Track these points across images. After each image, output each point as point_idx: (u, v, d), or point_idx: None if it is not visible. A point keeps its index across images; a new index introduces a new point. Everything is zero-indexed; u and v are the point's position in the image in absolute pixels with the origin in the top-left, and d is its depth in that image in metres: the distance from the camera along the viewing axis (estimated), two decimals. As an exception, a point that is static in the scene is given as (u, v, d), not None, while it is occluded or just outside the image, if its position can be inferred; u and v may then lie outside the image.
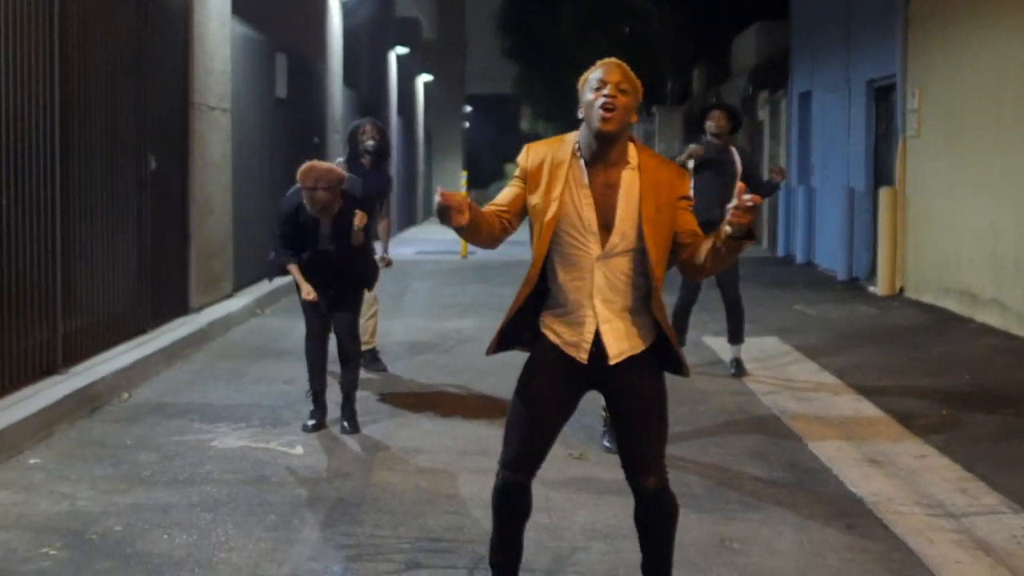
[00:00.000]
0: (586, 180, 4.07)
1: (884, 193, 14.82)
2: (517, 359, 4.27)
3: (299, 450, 6.98)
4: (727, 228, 3.89)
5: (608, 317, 4.09)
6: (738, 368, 9.50)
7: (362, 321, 9.00)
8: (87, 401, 7.87)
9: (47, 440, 7.05)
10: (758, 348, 10.79)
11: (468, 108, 54.18)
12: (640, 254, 4.05)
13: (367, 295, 8.66)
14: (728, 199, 8.71)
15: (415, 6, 32.98)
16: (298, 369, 9.26)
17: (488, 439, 7.13)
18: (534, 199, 4.11)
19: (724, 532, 5.60)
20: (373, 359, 9.52)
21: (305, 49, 17.93)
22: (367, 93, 25.32)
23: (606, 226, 4.05)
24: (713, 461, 6.93)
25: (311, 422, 7.48)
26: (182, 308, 11.21)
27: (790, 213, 19.94)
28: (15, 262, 7.69)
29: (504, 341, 4.26)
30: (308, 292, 7.33)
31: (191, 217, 11.39)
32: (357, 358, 7.66)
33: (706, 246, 4.04)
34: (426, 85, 37.16)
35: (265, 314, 12.76)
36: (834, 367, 9.81)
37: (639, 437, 4.16)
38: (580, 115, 4.12)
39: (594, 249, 4.04)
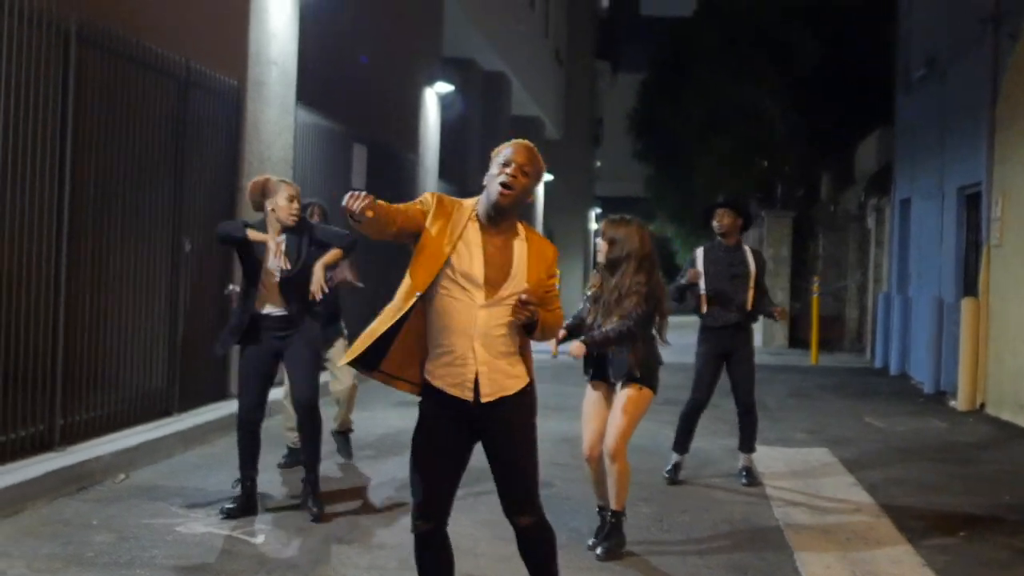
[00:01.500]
0: (479, 241, 4.50)
1: (966, 303, 14.24)
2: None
3: (260, 539, 6.82)
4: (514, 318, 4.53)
5: (486, 359, 4.48)
6: (749, 477, 9.07)
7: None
8: (75, 479, 7.82)
9: (16, 516, 7.00)
10: (802, 459, 10.35)
11: (598, 210, 54.17)
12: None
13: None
14: (741, 300, 8.35)
15: (536, 106, 33.23)
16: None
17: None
18: (431, 232, 4.49)
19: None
20: (345, 442, 9.37)
21: (395, 142, 18.07)
22: (476, 188, 25.43)
23: (491, 282, 4.49)
24: (686, 572, 6.57)
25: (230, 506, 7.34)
26: (220, 393, 11.18)
27: (888, 323, 19.31)
28: (17, 339, 7.76)
29: (364, 360, 4.57)
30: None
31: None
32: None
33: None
34: (548, 185, 37.23)
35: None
36: (869, 482, 9.32)
37: (512, 475, 4.60)
38: (484, 183, 4.56)
39: (478, 298, 4.47)
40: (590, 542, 6.95)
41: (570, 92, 41.40)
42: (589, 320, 6.88)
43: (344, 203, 4.26)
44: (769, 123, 35.02)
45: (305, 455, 7.52)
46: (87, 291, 8.74)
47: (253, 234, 7.36)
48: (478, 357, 4.47)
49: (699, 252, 9.09)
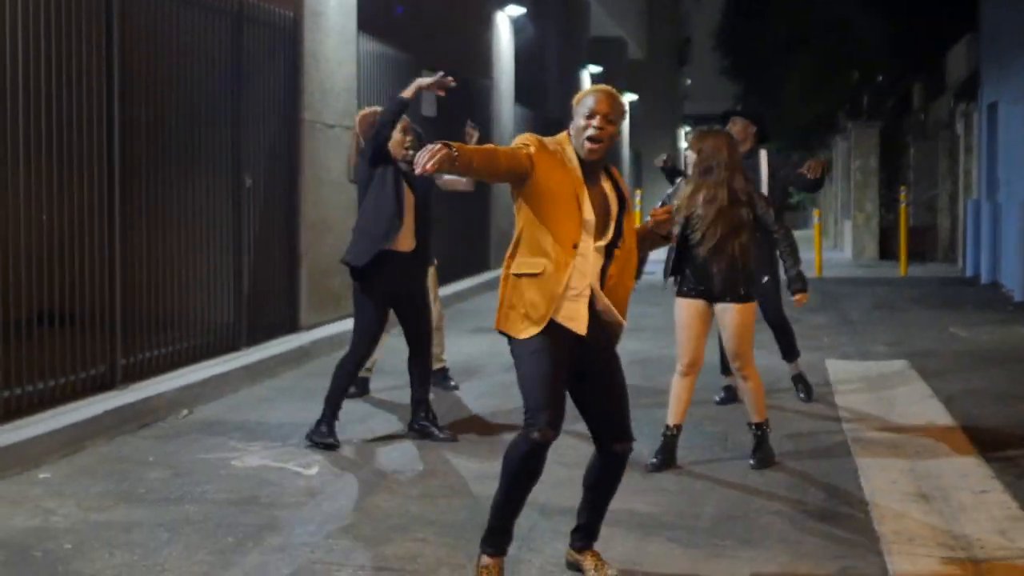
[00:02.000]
0: (585, 185, 4.63)
1: (1056, 207, 13.77)
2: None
3: (314, 470, 6.79)
4: (653, 230, 4.93)
5: (600, 296, 4.68)
6: (803, 387, 8.88)
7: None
8: (136, 417, 7.87)
9: (74, 455, 7.05)
10: (878, 371, 10.11)
11: (687, 128, 53.53)
12: (614, 248, 4.72)
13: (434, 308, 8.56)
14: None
15: (618, 26, 32.77)
16: (385, 384, 9.14)
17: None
18: (553, 178, 4.56)
19: (701, 570, 5.13)
20: (444, 378, 9.27)
21: (467, 68, 17.88)
22: (556, 112, 25.14)
23: (598, 226, 4.64)
24: (744, 488, 6.45)
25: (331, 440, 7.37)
26: (290, 326, 11.19)
27: (978, 231, 18.80)
28: (76, 277, 7.81)
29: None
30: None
31: (301, 235, 11.38)
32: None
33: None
34: (632, 104, 36.84)
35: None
36: (946, 393, 9.05)
37: (617, 403, 4.82)
38: (570, 132, 4.67)
39: (589, 238, 4.61)
40: (650, 462, 6.84)
41: (653, 11, 40.77)
42: (694, 235, 6.77)
43: (417, 168, 4.21)
44: (856, 34, 34.19)
45: (424, 386, 7.56)
46: (143, 231, 8.74)
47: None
48: (595, 293, 4.64)
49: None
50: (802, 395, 8.89)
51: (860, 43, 34.83)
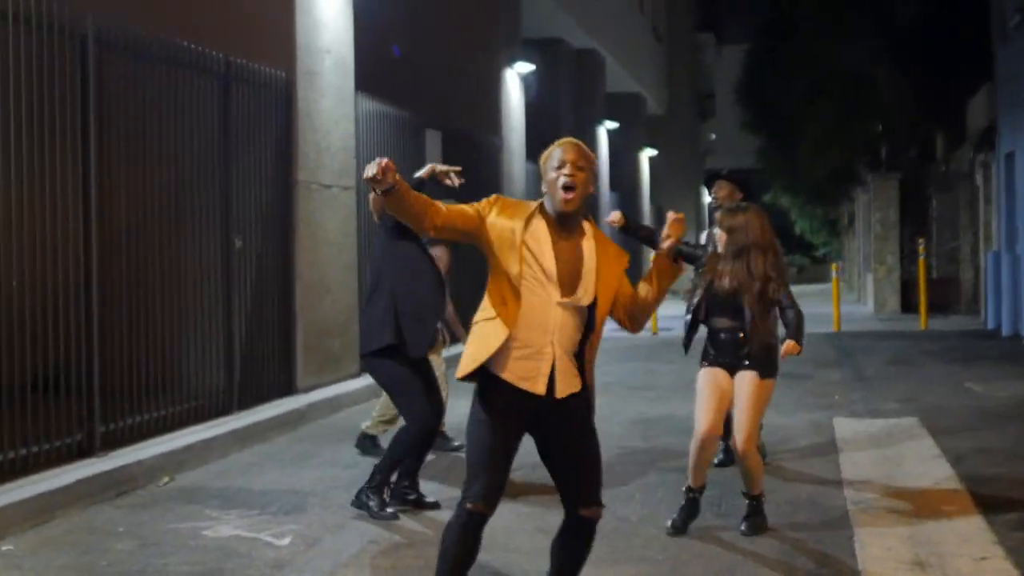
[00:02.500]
0: (549, 238, 4.52)
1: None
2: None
3: (286, 540, 6.55)
4: (665, 245, 4.61)
5: (561, 356, 4.51)
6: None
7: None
8: (113, 485, 7.65)
9: (43, 525, 6.84)
10: (888, 431, 9.80)
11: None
12: (589, 309, 4.57)
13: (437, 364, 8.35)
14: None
15: (635, 82, 32.67)
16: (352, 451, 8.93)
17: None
18: (499, 225, 4.51)
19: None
20: (443, 438, 9.00)
21: (474, 126, 17.76)
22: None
23: (564, 280, 4.50)
24: (732, 556, 6.17)
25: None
26: (286, 389, 10.99)
27: (998, 283, 18.46)
28: (52, 344, 7.65)
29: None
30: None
31: (297, 296, 11.19)
32: None
33: (643, 287, 4.69)
34: (652, 160, 36.70)
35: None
36: (956, 453, 8.74)
37: (585, 466, 4.62)
38: (544, 190, 4.60)
39: (554, 295, 4.48)
40: (669, 523, 6.72)
41: (672, 66, 40.70)
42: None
43: (366, 175, 4.29)
44: (873, 85, 34.00)
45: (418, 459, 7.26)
46: (125, 295, 8.57)
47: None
48: (556, 353, 4.50)
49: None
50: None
51: (879, 93, 34.65)
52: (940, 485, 7.73)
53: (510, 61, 19.62)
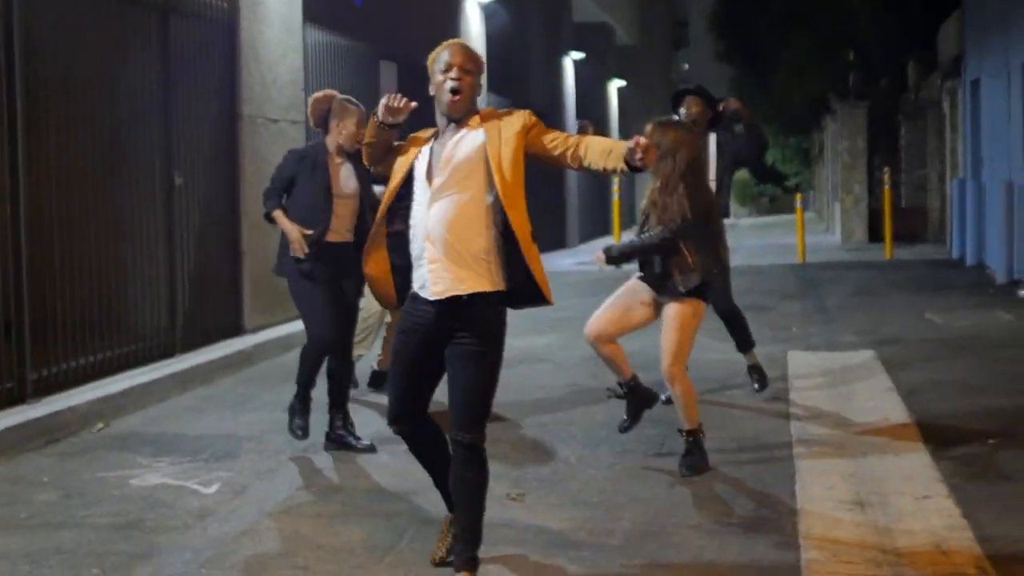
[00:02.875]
0: (430, 145, 4.59)
1: (1036, 185, 13.31)
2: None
3: (213, 488, 6.36)
4: (625, 165, 4.35)
5: (435, 257, 4.45)
6: (758, 376, 8.43)
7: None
8: (44, 432, 7.45)
9: (-34, 477, 6.65)
10: (841, 364, 9.66)
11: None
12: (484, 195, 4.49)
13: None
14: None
15: (604, 12, 32.26)
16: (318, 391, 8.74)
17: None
18: (401, 156, 4.67)
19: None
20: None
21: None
22: (537, 100, 24.69)
23: (433, 176, 4.51)
24: (668, 499, 6.01)
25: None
26: (232, 329, 10.78)
27: (963, 211, 18.32)
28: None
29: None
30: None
31: (243, 234, 10.95)
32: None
33: (598, 155, 4.45)
34: (622, 90, 36.34)
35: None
36: (908, 386, 8.61)
37: (464, 393, 4.49)
38: (431, 92, 4.61)
39: (425, 197, 4.49)
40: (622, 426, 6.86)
41: (644, -6, 40.27)
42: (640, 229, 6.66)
43: (385, 103, 4.52)
44: (849, 13, 33.63)
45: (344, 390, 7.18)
46: (55, 236, 8.28)
47: (280, 219, 7.06)
48: (427, 255, 4.48)
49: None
50: (756, 386, 8.45)
51: (855, 21, 34.29)
52: (889, 420, 7.59)
53: (471, -10, 19.27)
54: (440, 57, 4.58)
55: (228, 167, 10.78)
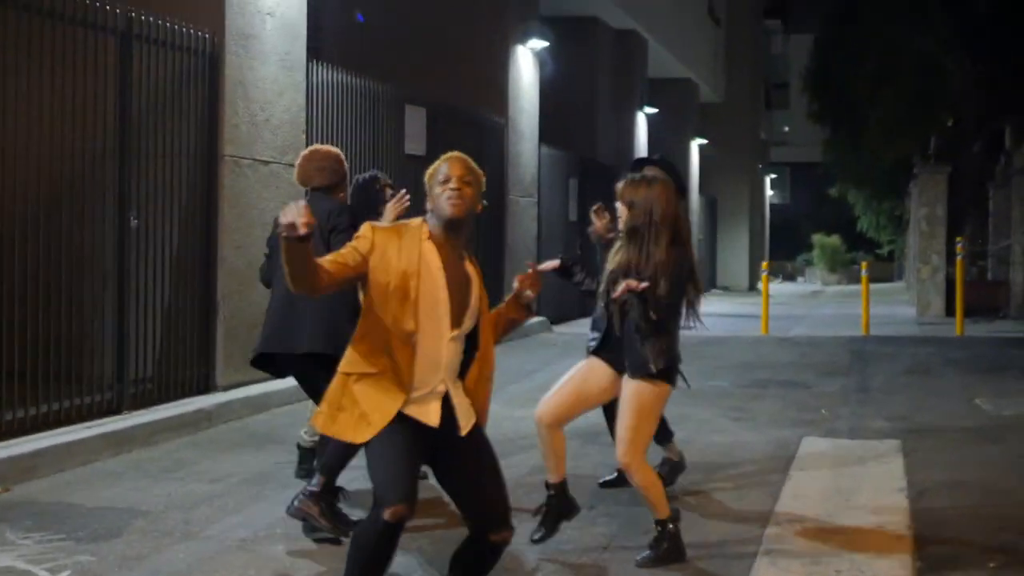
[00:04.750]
0: (439, 263, 4.34)
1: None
2: None
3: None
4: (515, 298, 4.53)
5: (455, 391, 4.38)
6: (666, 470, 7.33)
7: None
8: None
9: None
10: (858, 455, 8.56)
11: (772, 176, 51.81)
12: (471, 337, 4.44)
13: None
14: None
15: (685, 68, 31.32)
16: (261, 461, 7.86)
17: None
18: (388, 261, 4.30)
19: None
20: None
21: (473, 104, 16.65)
22: (604, 154, 23.77)
23: (455, 310, 4.34)
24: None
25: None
26: (202, 386, 9.95)
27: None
28: None
29: None
30: None
31: (219, 282, 10.14)
32: None
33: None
34: (704, 148, 35.23)
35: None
36: (923, 483, 7.51)
37: (492, 488, 4.38)
38: (428, 207, 4.44)
39: (446, 331, 4.31)
40: (534, 536, 6.01)
41: (732, 53, 39.18)
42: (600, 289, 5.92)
43: (282, 219, 3.94)
44: (943, 73, 32.35)
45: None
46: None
47: None
48: (449, 389, 4.37)
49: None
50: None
51: (949, 82, 32.99)
52: (882, 528, 6.48)
53: (523, 37, 18.41)
54: (439, 170, 4.46)
55: (204, 209, 10.00)
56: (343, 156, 6.87)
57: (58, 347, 8.41)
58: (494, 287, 17.24)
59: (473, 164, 4.52)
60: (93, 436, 8.17)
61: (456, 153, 4.57)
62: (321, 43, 17.44)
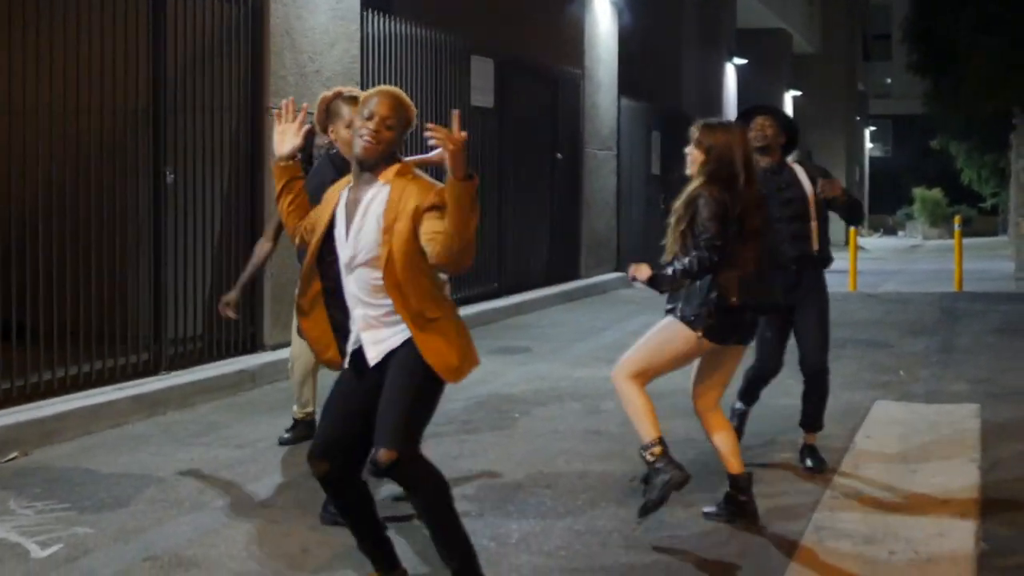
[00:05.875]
0: (344, 200, 4.30)
1: None
2: None
3: (50, 550, 5.18)
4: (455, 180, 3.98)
5: (364, 326, 4.25)
6: (813, 458, 6.73)
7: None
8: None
9: None
10: (933, 419, 8.00)
11: (872, 128, 50.52)
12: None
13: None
14: (802, 232, 6.20)
15: (778, 18, 30.44)
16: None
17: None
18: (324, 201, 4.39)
19: None
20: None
21: (545, 55, 16.14)
22: (689, 105, 23.10)
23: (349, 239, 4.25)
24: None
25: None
26: (249, 345, 9.65)
27: None
28: None
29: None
30: None
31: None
32: None
33: (442, 236, 4.06)
34: (798, 101, 34.28)
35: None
36: (998, 455, 6.94)
37: (384, 413, 4.15)
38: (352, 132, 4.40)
39: (344, 263, 4.26)
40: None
41: (827, 2, 38.07)
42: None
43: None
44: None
45: None
46: (12, 235, 7.36)
47: None
48: (357, 323, 4.30)
49: None
50: (809, 464, 6.76)
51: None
52: (948, 505, 5.94)
53: (599, -15, 17.85)
54: (368, 102, 4.25)
55: (249, 165, 9.66)
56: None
57: (91, 307, 8.13)
58: (571, 244, 16.80)
59: (406, 102, 4.30)
60: (123, 398, 7.89)
61: (389, 88, 4.36)
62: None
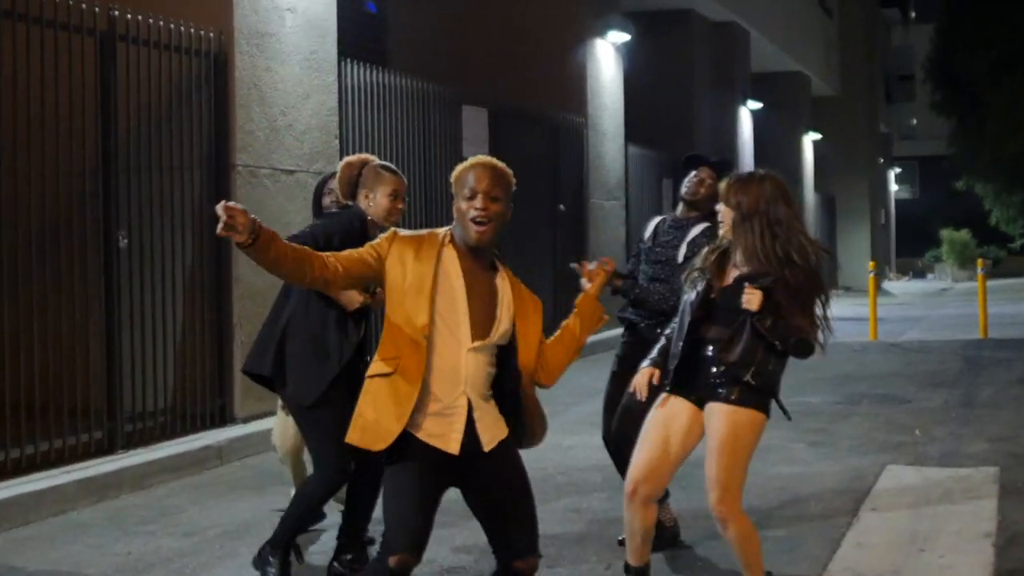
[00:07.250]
0: (459, 272, 4.07)
1: None
2: None
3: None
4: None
5: (480, 405, 4.06)
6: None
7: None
8: None
9: None
10: (948, 485, 7.37)
11: (897, 170, 49.85)
12: (504, 350, 4.11)
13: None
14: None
15: (795, 61, 29.88)
16: (256, 508, 6.94)
17: None
18: (402, 266, 4.05)
19: None
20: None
21: (545, 103, 15.62)
22: (703, 150, 22.51)
23: (477, 320, 4.05)
24: None
25: None
26: (215, 419, 9.07)
27: None
28: None
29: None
30: None
31: (234, 306, 9.25)
32: None
33: (564, 333, 4.30)
34: (817, 145, 33.62)
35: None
36: (1019, 525, 6.31)
37: (519, 515, 4.07)
38: (455, 215, 4.11)
39: (465, 341, 4.03)
40: None
41: (846, 44, 37.48)
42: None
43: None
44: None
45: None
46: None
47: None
48: (472, 405, 4.05)
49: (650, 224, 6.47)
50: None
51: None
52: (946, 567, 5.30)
53: (602, 31, 17.30)
54: (465, 180, 4.08)
55: (212, 225, 9.08)
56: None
57: (37, 381, 7.59)
58: (574, 296, 16.19)
59: (503, 169, 4.13)
60: (69, 482, 7.30)
61: (484, 159, 4.16)
62: (387, 47, 16.63)
